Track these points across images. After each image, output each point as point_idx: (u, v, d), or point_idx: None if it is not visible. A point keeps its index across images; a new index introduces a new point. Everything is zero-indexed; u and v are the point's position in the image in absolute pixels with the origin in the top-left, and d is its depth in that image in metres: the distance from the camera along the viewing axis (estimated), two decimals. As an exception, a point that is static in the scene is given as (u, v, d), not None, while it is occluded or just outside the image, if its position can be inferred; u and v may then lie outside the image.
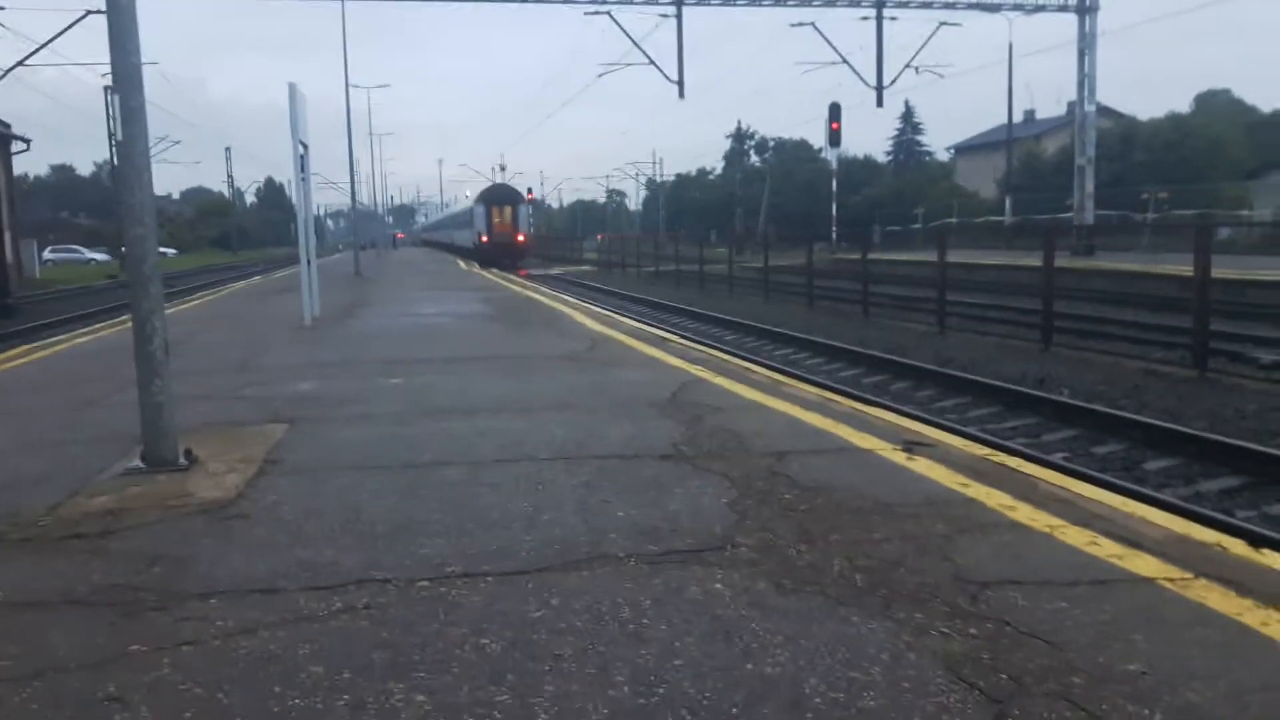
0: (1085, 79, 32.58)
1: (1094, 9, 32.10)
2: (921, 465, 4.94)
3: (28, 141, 37.60)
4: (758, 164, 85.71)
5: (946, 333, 16.88)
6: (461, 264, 41.84)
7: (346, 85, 30.97)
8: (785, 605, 3.17)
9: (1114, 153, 44.48)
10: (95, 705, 2.64)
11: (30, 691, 2.72)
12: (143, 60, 5.30)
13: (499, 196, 48.86)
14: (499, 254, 44.21)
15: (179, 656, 2.90)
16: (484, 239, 46.67)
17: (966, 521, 4.01)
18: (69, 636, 3.08)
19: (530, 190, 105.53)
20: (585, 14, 30.53)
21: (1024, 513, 4.11)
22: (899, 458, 5.12)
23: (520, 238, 47.63)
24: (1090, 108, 33.08)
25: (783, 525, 3.98)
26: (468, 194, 59.93)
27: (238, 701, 2.63)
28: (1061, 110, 59.93)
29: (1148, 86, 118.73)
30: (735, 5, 30.75)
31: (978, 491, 4.44)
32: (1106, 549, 3.64)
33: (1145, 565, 3.47)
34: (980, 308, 19.14)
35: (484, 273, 33.06)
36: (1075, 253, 30.77)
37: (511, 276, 31.20)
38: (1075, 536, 3.80)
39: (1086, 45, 32.34)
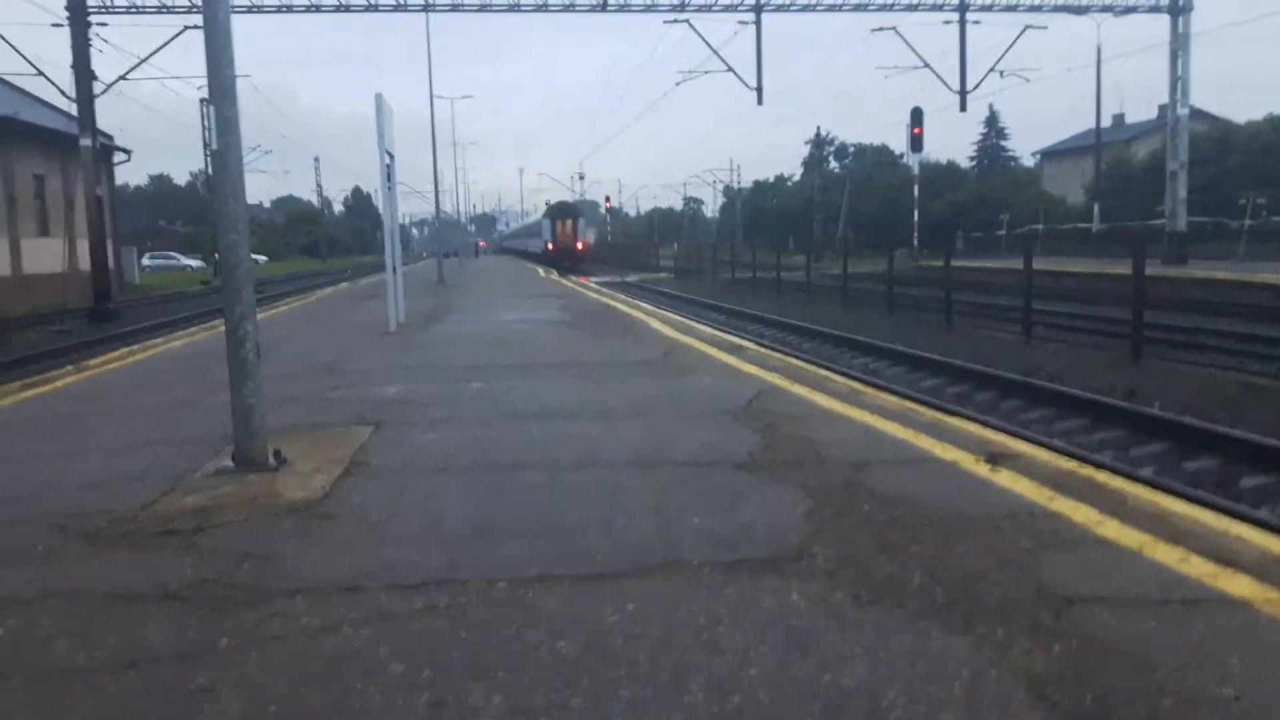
0: (1178, 81, 31.54)
1: (1187, 9, 31.07)
2: (1005, 477, 4.84)
3: (128, 153, 39.15)
4: (837, 170, 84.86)
5: (1032, 342, 16.49)
6: (540, 271, 42.32)
7: (431, 96, 31.62)
8: (863, 617, 3.13)
9: (1208, 157, 42.97)
10: (186, 696, 2.73)
11: (125, 681, 2.83)
12: (236, 73, 5.48)
13: (562, 211, 58.56)
14: (561, 257, 52.12)
15: (265, 651, 2.99)
16: (550, 246, 55.10)
17: (1052, 536, 3.91)
18: (162, 629, 3.19)
19: (608, 198, 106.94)
20: (664, 22, 30.64)
21: (1112, 528, 4.00)
22: (982, 469, 5.02)
23: (579, 245, 55.94)
24: (1183, 111, 32.00)
25: (861, 536, 3.93)
26: (548, 201, 68.70)
27: (320, 697, 2.70)
28: (1152, 114, 58.26)
29: (1244, 88, 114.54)
30: (815, 10, 30.53)
31: (1064, 505, 4.32)
32: (1198, 568, 3.51)
33: (1240, 585, 3.34)
34: (1067, 317, 18.64)
35: (562, 280, 33.37)
36: (1167, 261, 29.81)
37: (589, 284, 31.46)
38: (1166, 554, 3.67)
39: (1179, 46, 31.31)
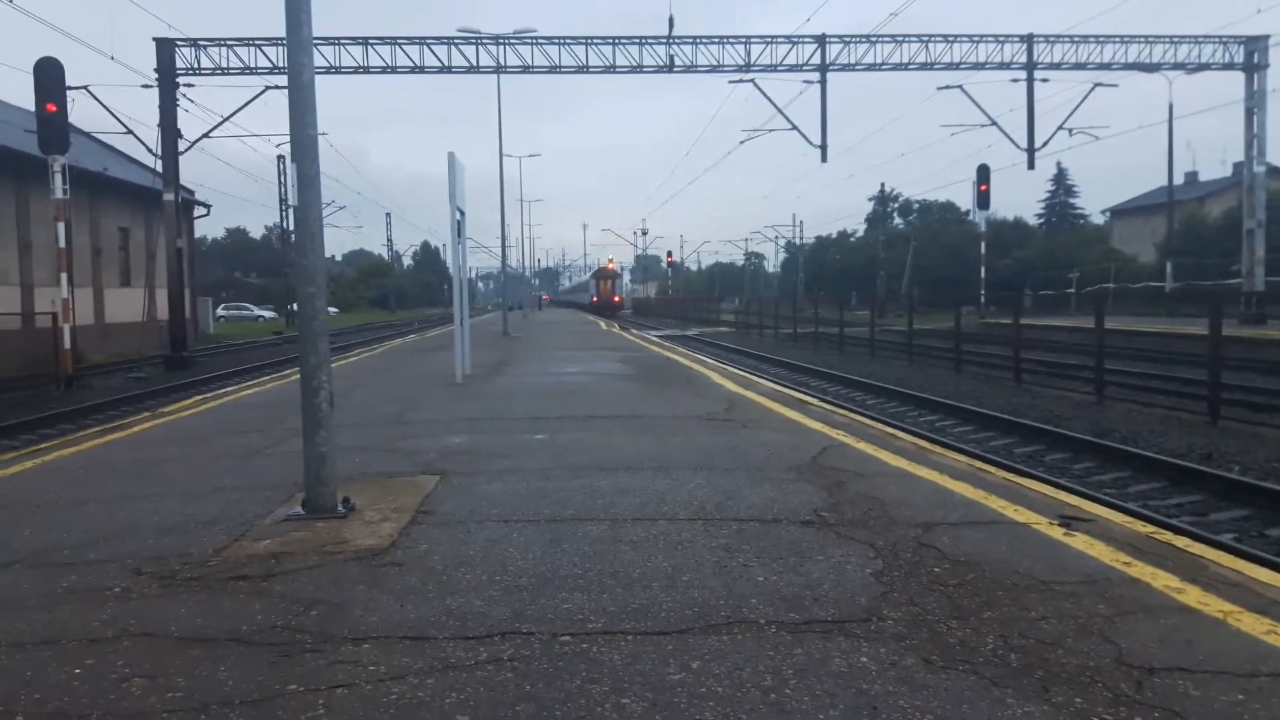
0: (1254, 139, 30.99)
1: (1263, 66, 30.60)
2: (1080, 541, 4.71)
3: (208, 207, 40.66)
4: (901, 226, 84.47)
5: (1105, 403, 16.09)
6: (602, 324, 42.65)
7: (500, 155, 32.28)
8: (935, 683, 3.05)
9: (1288, 215, 41.89)
10: (257, 741, 2.75)
11: (199, 723, 2.87)
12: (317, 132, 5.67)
13: (603, 275, 78.90)
14: (603, 309, 70.33)
15: (333, 699, 3.02)
16: (595, 299, 75.47)
17: (1130, 602, 3.79)
18: (233, 673, 3.24)
19: (669, 253, 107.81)
20: (730, 82, 31.05)
21: (1193, 595, 3.86)
22: (1056, 533, 4.89)
23: (616, 299, 76.30)
24: (1260, 168, 31.39)
25: (932, 599, 3.85)
26: (610, 258, 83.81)
27: (388, 746, 2.70)
28: (1226, 171, 57.11)
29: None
30: (880, 70, 30.67)
31: (1141, 571, 4.19)
32: (1290, 640, 3.37)
33: (1335, 660, 3.19)
34: (1141, 377, 18.18)
35: (623, 333, 33.57)
36: (1244, 321, 29.04)
37: (649, 337, 31.59)
38: (1252, 624, 3.54)
39: (1255, 104, 30.82)
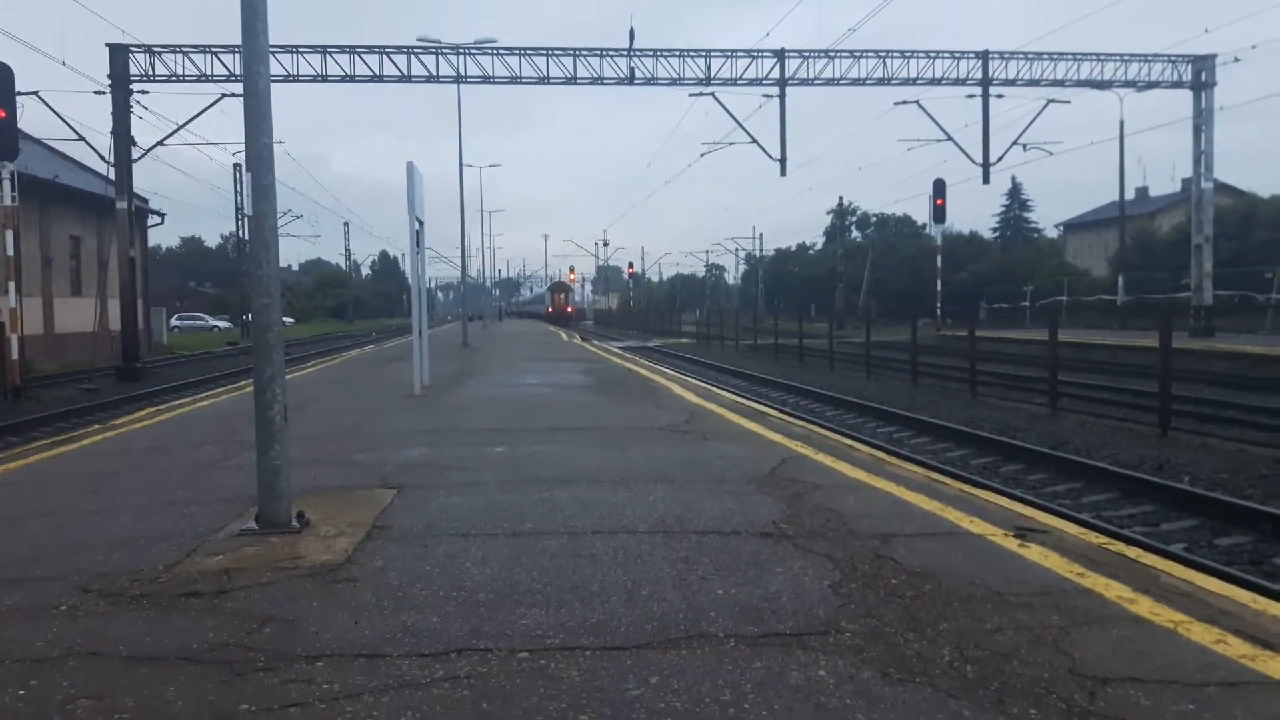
0: (1202, 155, 31.67)
1: (1210, 85, 31.31)
2: (1035, 552, 4.76)
3: (162, 215, 40.00)
4: (859, 239, 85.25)
5: (1058, 414, 16.34)
6: (564, 335, 42.58)
7: (460, 165, 32.12)
8: (892, 695, 3.07)
9: (1233, 230, 42.84)
10: (207, 763, 2.69)
11: (147, 745, 2.80)
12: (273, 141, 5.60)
13: (557, 288, 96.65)
14: (558, 319, 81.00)
15: (285, 719, 2.96)
16: (550, 309, 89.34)
17: (1083, 613, 3.84)
18: (183, 693, 3.17)
19: (630, 265, 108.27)
20: (690, 95, 31.18)
21: (1145, 606, 3.92)
22: (1011, 544, 4.95)
23: (569, 309, 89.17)
24: (1208, 184, 32.07)
25: (889, 611, 3.87)
26: (572, 269, 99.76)
27: (341, 766, 2.66)
28: (1176, 187, 58.36)
29: (1269, 161, 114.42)
30: (838, 84, 30.97)
31: (1095, 582, 4.25)
32: (1236, 648, 3.43)
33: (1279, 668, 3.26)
34: (1094, 389, 18.49)
35: (584, 344, 33.51)
36: (1194, 334, 29.61)
37: (611, 348, 31.55)
38: (1201, 634, 3.60)
39: (1203, 121, 31.50)
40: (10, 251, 20.85)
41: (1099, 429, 14.53)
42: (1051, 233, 78.99)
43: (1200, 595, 4.09)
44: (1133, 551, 4.92)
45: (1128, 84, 31.89)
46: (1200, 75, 31.45)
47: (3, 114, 20.52)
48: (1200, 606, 3.92)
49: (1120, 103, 42.10)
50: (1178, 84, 31.73)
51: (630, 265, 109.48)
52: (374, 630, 3.72)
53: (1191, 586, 4.23)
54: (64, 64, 26.03)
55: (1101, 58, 31.25)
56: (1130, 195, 52.04)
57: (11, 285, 20.81)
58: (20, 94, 21.45)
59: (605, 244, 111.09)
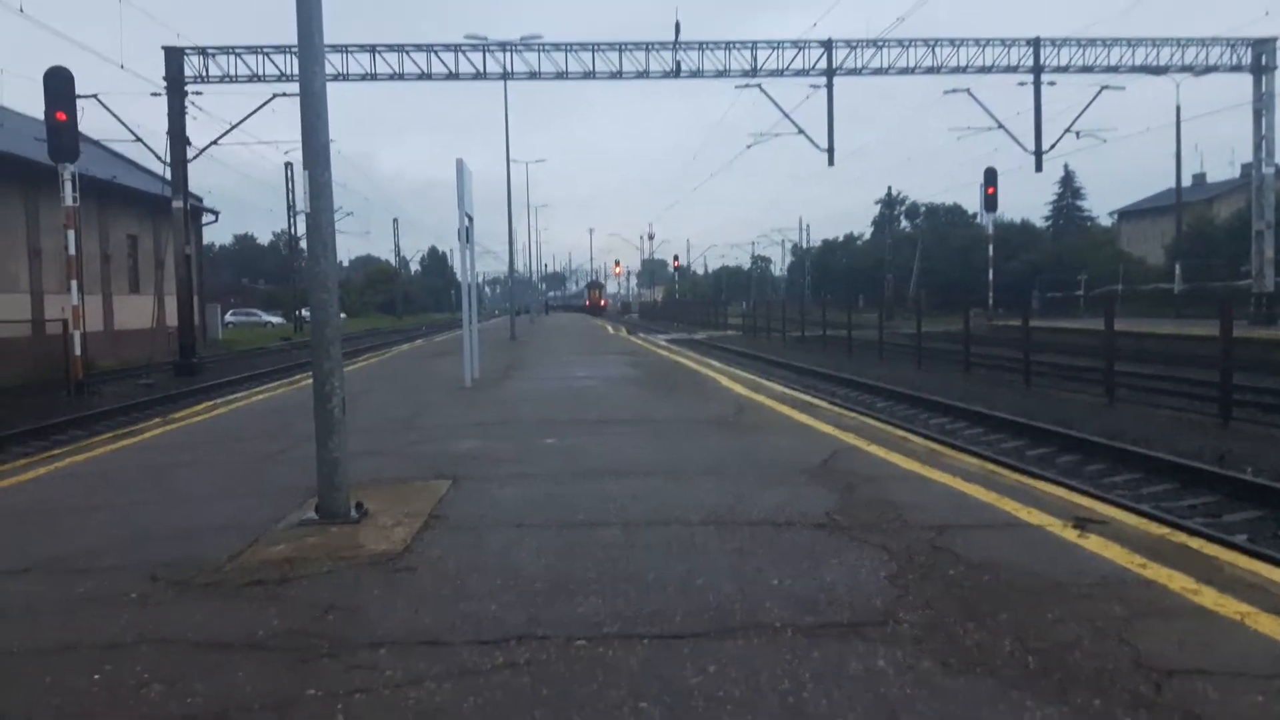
0: (1262, 140, 30.87)
1: (1271, 68, 30.49)
2: (1095, 543, 4.69)
3: (216, 214, 40.71)
4: (908, 229, 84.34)
5: (1115, 405, 16.05)
6: (609, 328, 42.69)
7: (508, 161, 32.25)
8: (953, 686, 3.05)
9: (1297, 216, 41.73)
10: (276, 746, 2.76)
11: (218, 729, 2.87)
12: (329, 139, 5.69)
13: (593, 285, 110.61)
14: (594, 311, 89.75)
15: (351, 704, 3.02)
16: (588, 304, 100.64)
17: (1146, 604, 3.78)
18: (250, 678, 3.24)
19: (676, 257, 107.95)
20: (736, 87, 31.03)
21: (1210, 597, 3.85)
22: (1070, 535, 4.88)
23: (603, 303, 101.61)
24: (1268, 170, 31.23)
25: (947, 602, 3.84)
26: (618, 262, 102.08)
27: (407, 750, 2.70)
28: (1234, 173, 56.97)
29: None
30: (887, 74, 30.63)
31: (1157, 573, 4.18)
32: (1308, 641, 3.36)
33: (1355, 661, 3.18)
34: (1151, 379, 18.13)
35: (630, 337, 33.57)
36: (1254, 322, 28.94)
37: (657, 340, 31.57)
38: (1270, 625, 3.52)
39: (1263, 105, 30.69)
40: (72, 250, 21.39)
41: (1157, 419, 14.25)
42: (1105, 221, 77.65)
43: (1267, 586, 4.01)
44: (1195, 542, 4.83)
45: (1184, 69, 31.14)
46: (1260, 59, 30.63)
47: (63, 116, 21.05)
48: (1267, 598, 3.83)
49: (1177, 88, 41.15)
50: (1236, 68, 30.93)
51: (675, 258, 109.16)
52: (434, 618, 3.77)
53: (1257, 578, 4.14)
54: (122, 67, 26.48)
55: (1156, 42, 30.54)
56: (1187, 182, 50.98)
57: (74, 284, 21.36)
58: (80, 97, 21.99)
59: (650, 237, 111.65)
